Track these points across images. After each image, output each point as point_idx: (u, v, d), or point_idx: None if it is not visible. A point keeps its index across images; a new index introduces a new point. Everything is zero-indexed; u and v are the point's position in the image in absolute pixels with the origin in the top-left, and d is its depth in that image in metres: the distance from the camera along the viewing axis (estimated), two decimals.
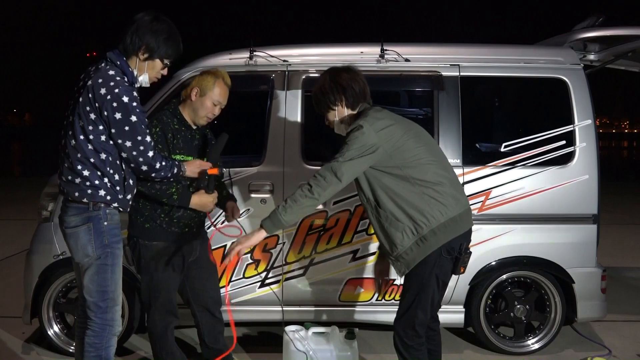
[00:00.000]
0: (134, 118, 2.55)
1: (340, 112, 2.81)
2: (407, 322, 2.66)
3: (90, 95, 2.53)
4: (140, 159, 2.61)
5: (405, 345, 2.67)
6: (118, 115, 2.52)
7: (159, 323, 3.14)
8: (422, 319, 2.66)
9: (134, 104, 2.55)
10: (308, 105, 3.73)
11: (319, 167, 3.60)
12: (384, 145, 2.57)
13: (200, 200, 2.99)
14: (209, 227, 3.46)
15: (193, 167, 2.90)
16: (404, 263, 2.62)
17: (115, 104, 2.51)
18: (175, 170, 2.77)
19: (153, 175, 2.68)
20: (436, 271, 2.61)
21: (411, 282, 2.66)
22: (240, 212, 3.32)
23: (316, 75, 3.77)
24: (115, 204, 2.64)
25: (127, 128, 2.55)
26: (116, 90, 2.51)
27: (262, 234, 2.60)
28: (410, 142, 2.62)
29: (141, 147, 2.59)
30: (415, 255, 2.59)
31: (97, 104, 2.52)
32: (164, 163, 2.69)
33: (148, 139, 2.61)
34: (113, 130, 2.55)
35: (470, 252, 2.71)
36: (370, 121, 2.61)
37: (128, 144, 2.57)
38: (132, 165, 2.63)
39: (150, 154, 2.62)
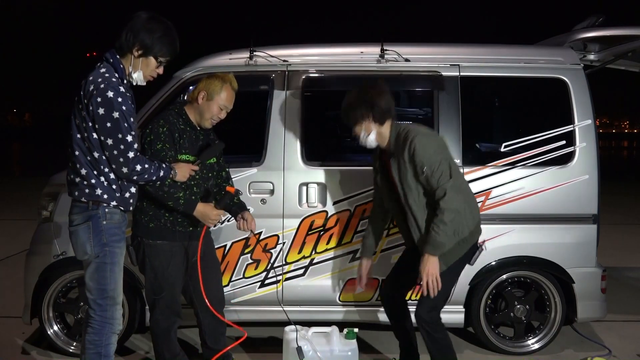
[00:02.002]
0: (116, 114, 2.52)
1: (367, 127, 3.05)
2: (437, 310, 3.05)
3: (81, 93, 2.56)
4: (121, 159, 2.56)
5: (437, 326, 3.05)
6: (101, 111, 2.51)
7: (162, 323, 3.14)
8: None
9: (119, 99, 2.53)
10: (308, 105, 3.73)
11: (319, 167, 3.66)
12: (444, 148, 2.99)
13: (205, 210, 2.98)
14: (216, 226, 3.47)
15: (184, 172, 2.89)
16: (443, 261, 2.97)
17: (99, 99, 2.51)
18: (162, 174, 2.74)
19: (135, 178, 2.64)
20: (465, 263, 3.12)
21: (445, 277, 2.98)
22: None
23: (316, 75, 3.77)
24: (114, 203, 2.64)
25: (108, 124, 2.52)
26: (102, 86, 2.51)
27: (434, 259, 2.92)
28: (449, 152, 3.04)
29: (122, 147, 2.55)
30: (456, 254, 3.00)
31: (85, 100, 2.54)
32: (146, 166, 2.65)
33: (129, 138, 2.57)
34: (96, 126, 2.53)
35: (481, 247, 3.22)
36: (419, 133, 2.97)
37: (109, 141, 2.54)
38: (113, 166, 2.59)
39: (131, 155, 2.57)
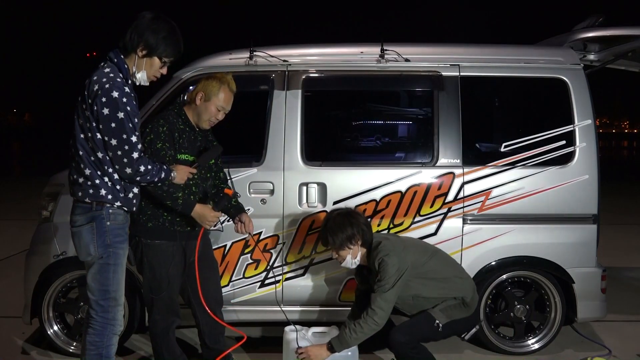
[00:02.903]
0: (121, 115, 2.51)
1: (354, 252, 3.18)
2: (413, 338, 3.12)
3: (85, 93, 2.55)
4: (125, 160, 2.56)
5: (414, 344, 3.12)
6: (105, 111, 2.51)
7: (160, 323, 3.14)
8: None
9: (124, 99, 2.53)
10: (308, 105, 3.73)
11: (319, 167, 3.66)
12: (410, 260, 3.11)
13: (203, 211, 2.99)
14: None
15: (182, 174, 2.89)
16: (446, 315, 3.15)
17: (104, 99, 2.50)
18: (163, 175, 2.74)
19: (138, 179, 2.64)
20: (461, 328, 3.31)
21: (440, 328, 3.15)
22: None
23: (316, 75, 3.77)
24: (118, 203, 2.64)
25: (113, 125, 2.52)
26: (107, 86, 2.51)
27: (327, 352, 3.07)
28: (420, 255, 3.20)
29: (126, 147, 2.55)
30: (458, 314, 3.18)
31: (89, 100, 2.53)
32: (149, 167, 2.65)
33: (134, 139, 2.57)
34: (101, 127, 2.53)
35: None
36: (391, 250, 3.09)
37: (113, 142, 2.54)
38: (116, 167, 2.58)
39: (135, 155, 2.57)
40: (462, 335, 3.39)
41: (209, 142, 3.18)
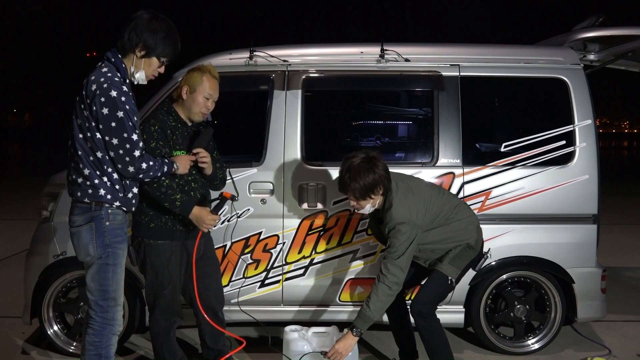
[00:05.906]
0: (120, 114, 2.52)
1: (374, 202, 3.06)
2: (432, 305, 3.16)
3: (83, 93, 2.55)
4: (127, 159, 2.56)
5: (432, 317, 3.14)
6: (105, 111, 2.51)
7: (162, 322, 3.14)
8: None
9: (123, 98, 2.53)
10: (308, 105, 3.73)
11: (319, 167, 3.66)
12: (420, 225, 3.04)
13: (200, 214, 2.97)
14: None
15: (184, 163, 2.90)
16: (456, 265, 3.14)
17: (103, 99, 2.50)
18: (166, 169, 2.75)
19: (140, 176, 2.64)
20: (470, 267, 3.29)
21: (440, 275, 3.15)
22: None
23: (316, 75, 3.77)
24: (117, 203, 2.64)
25: (113, 124, 2.52)
26: (105, 85, 2.51)
27: (353, 338, 3.00)
28: (433, 205, 3.11)
29: (127, 145, 2.55)
30: (466, 259, 3.18)
31: (88, 100, 2.53)
32: (151, 163, 2.65)
33: (135, 137, 2.57)
34: (101, 127, 2.53)
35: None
36: (406, 218, 2.98)
37: (114, 141, 2.54)
38: (118, 166, 2.58)
39: (137, 153, 2.58)
40: (475, 269, 3.39)
41: (201, 128, 3.15)
